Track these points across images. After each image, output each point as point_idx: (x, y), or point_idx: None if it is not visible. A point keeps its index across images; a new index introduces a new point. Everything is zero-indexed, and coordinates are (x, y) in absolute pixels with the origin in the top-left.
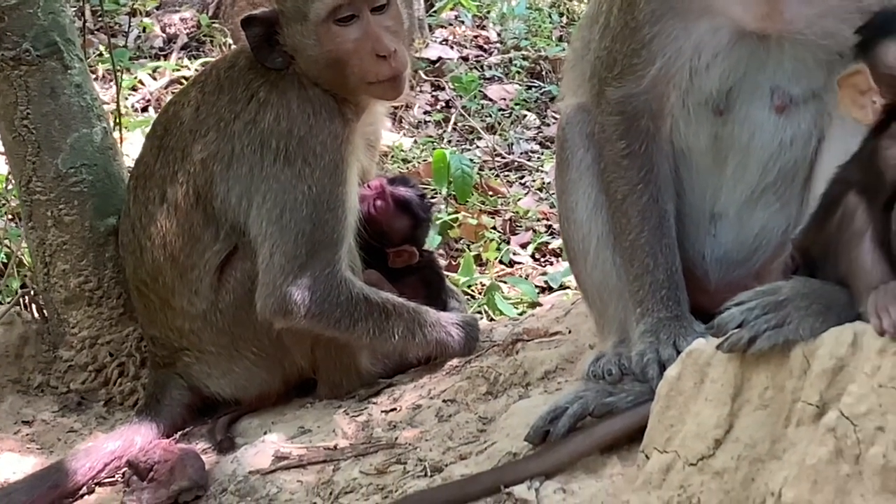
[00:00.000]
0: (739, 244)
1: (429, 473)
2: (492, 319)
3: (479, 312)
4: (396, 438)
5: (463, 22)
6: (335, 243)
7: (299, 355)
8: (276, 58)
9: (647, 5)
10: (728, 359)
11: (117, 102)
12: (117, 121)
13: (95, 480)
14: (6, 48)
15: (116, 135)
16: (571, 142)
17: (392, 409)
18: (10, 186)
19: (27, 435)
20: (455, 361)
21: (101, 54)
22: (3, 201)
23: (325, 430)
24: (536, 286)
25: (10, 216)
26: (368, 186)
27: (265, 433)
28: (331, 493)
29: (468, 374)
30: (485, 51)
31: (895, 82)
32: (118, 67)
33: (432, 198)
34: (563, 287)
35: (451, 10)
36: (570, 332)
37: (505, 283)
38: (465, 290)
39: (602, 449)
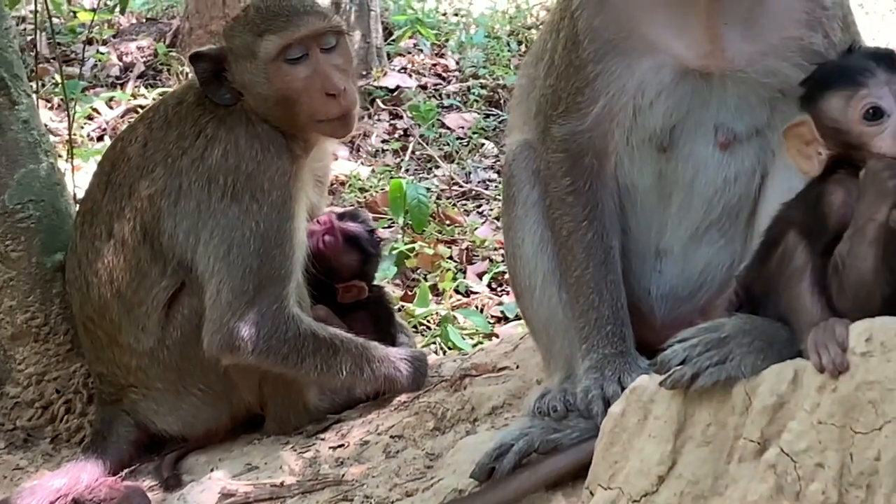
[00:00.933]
0: (685, 280)
1: None
2: (445, 352)
3: (434, 343)
4: (343, 475)
5: (422, 50)
6: (283, 279)
7: (247, 391)
8: (225, 94)
9: (590, 44)
10: (671, 395)
11: (69, 133)
12: (70, 151)
13: None
14: None
15: (69, 165)
16: (518, 178)
17: (339, 446)
18: None
19: None
20: (403, 397)
21: (56, 84)
22: None
23: (272, 466)
24: (493, 316)
25: None
26: (318, 222)
27: (212, 470)
28: None
29: (416, 409)
30: (443, 79)
31: (837, 134)
32: (71, 97)
33: (389, 227)
34: (518, 317)
35: (410, 38)
36: (517, 367)
37: (461, 315)
38: (422, 320)
39: (547, 485)
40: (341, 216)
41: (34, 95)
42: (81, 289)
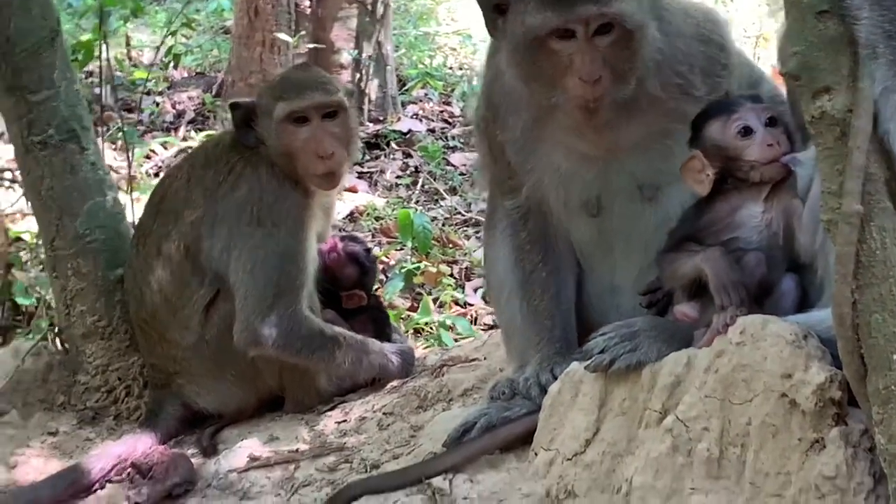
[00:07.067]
0: (640, 313)
1: (368, 470)
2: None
3: (432, 345)
4: (345, 443)
5: (431, 99)
6: (297, 288)
7: (269, 377)
8: (251, 138)
9: (504, 136)
10: (595, 377)
11: (129, 171)
12: (130, 186)
13: (106, 479)
14: (34, 134)
15: (130, 197)
16: (499, 208)
17: (343, 421)
18: (38, 243)
19: (51, 444)
20: (395, 382)
21: (119, 129)
22: (35, 256)
23: (289, 437)
24: (485, 324)
25: (39, 268)
26: (325, 243)
27: (242, 440)
28: (292, 486)
29: (404, 392)
30: (449, 123)
31: (719, 151)
32: (130, 141)
33: (399, 249)
34: None
35: (421, 88)
36: (485, 358)
37: (452, 323)
38: (423, 327)
39: (502, 449)
40: (343, 238)
41: (99, 140)
42: (137, 297)
